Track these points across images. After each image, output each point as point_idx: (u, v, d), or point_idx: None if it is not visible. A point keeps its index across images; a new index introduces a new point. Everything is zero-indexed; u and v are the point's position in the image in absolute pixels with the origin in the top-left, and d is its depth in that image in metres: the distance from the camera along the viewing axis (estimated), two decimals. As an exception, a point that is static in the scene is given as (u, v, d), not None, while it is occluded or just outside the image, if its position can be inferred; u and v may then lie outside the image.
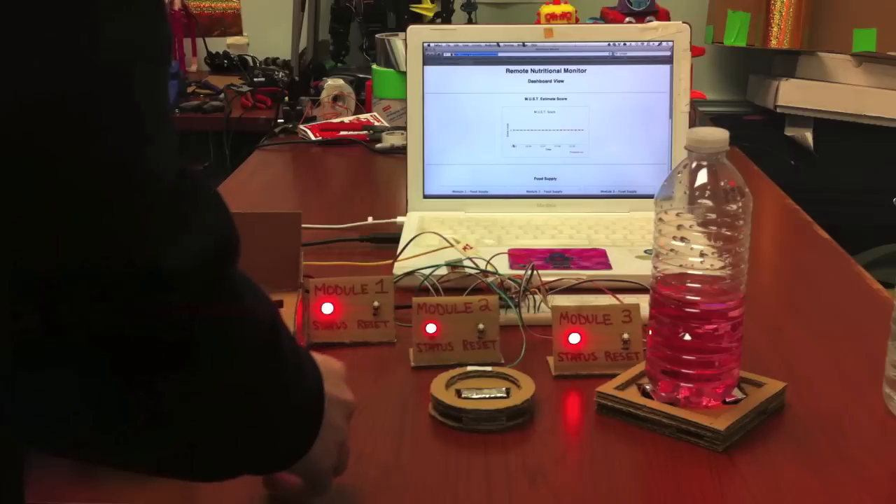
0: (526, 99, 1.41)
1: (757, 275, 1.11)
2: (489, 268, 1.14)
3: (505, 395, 0.92)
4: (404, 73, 1.47)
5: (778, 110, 2.84)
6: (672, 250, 0.88)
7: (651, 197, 0.91)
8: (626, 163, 1.41)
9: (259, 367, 0.61)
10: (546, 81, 1.40)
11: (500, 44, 1.40)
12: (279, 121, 2.12)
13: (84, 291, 0.50)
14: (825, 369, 1.02)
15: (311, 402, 0.69)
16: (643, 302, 0.96)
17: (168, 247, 0.51)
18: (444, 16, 2.62)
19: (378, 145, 1.95)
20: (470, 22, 2.72)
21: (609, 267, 1.21)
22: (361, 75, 2.36)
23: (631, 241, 1.31)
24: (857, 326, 1.13)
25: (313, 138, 1.99)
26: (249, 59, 2.91)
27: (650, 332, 0.91)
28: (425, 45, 1.40)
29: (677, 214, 0.87)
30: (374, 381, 1.00)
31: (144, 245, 0.51)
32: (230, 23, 3.10)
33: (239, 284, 0.59)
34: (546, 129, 1.41)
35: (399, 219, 1.39)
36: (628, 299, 1.04)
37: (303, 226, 1.15)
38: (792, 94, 2.81)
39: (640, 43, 1.40)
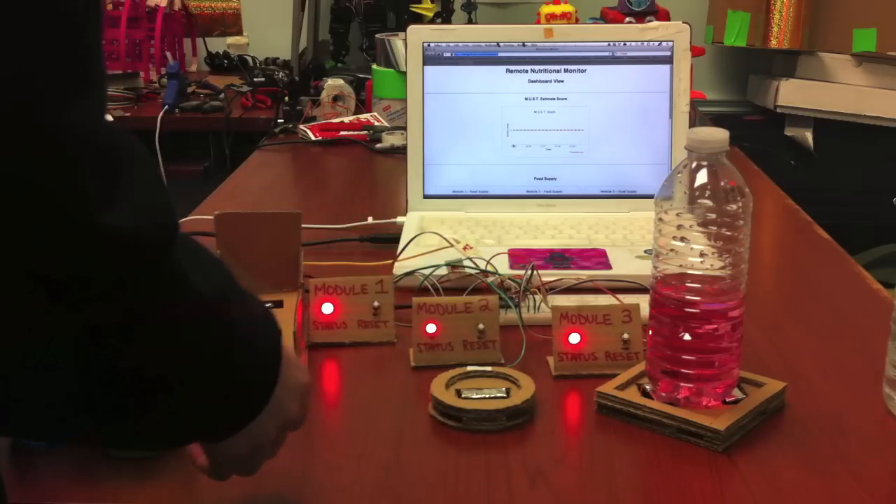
0: (526, 99, 1.41)
1: (757, 275, 1.11)
2: (489, 268, 1.14)
3: (505, 395, 0.92)
4: (404, 73, 1.47)
5: (778, 110, 2.84)
6: (672, 250, 0.88)
7: (651, 197, 0.90)
8: (626, 163, 1.41)
9: (201, 347, 0.60)
10: (546, 81, 1.40)
11: (500, 44, 1.40)
12: (279, 121, 2.12)
13: (22, 256, 0.49)
14: (825, 369, 1.02)
15: (260, 377, 0.67)
16: (643, 302, 0.96)
17: (103, 203, 0.50)
18: (444, 16, 2.62)
19: (378, 145, 1.95)
20: (470, 22, 2.72)
21: (609, 267, 1.21)
22: (361, 75, 2.36)
23: (631, 241, 1.31)
24: (857, 326, 1.13)
25: (313, 138, 1.99)
26: (249, 59, 2.91)
27: (650, 332, 0.91)
28: (425, 45, 1.40)
29: (677, 214, 0.87)
30: (374, 381, 1.00)
31: (77, 199, 0.49)
32: (230, 23, 3.10)
33: (182, 263, 0.57)
34: (546, 129, 1.41)
35: (399, 219, 1.39)
36: (628, 299, 1.04)
37: (303, 226, 1.15)
38: (792, 94, 2.82)
39: (640, 43, 1.40)
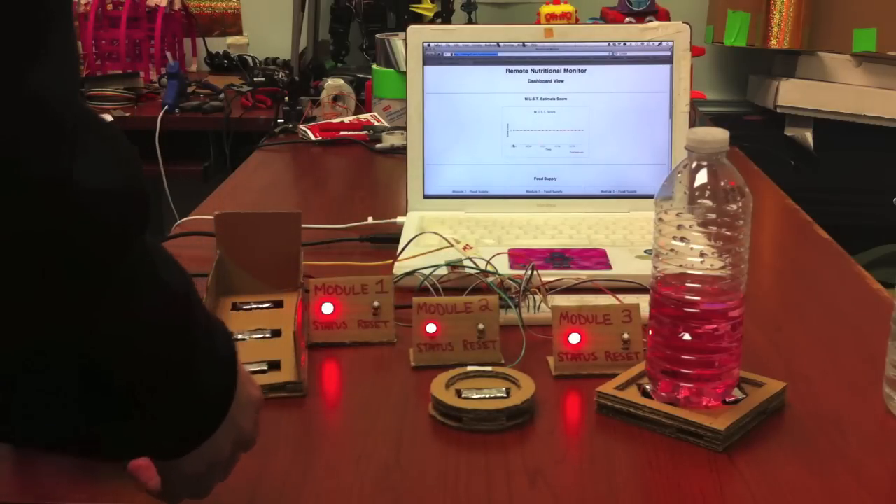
0: (526, 99, 1.41)
1: (757, 275, 1.11)
2: (489, 268, 1.14)
3: (505, 395, 0.92)
4: (404, 73, 1.47)
5: (778, 110, 2.84)
6: (672, 250, 0.88)
7: (651, 197, 0.91)
8: (626, 163, 1.41)
9: (166, 342, 0.58)
10: (546, 81, 1.40)
11: (500, 44, 1.40)
12: (279, 121, 2.12)
13: None
14: (825, 369, 1.02)
15: (220, 387, 0.65)
16: (643, 302, 0.96)
17: (70, 164, 0.48)
18: (444, 16, 2.62)
19: (378, 145, 1.95)
20: (470, 22, 2.72)
21: (609, 267, 1.21)
22: (361, 75, 2.36)
23: (631, 241, 1.31)
24: (857, 326, 1.13)
25: (313, 138, 1.99)
26: (249, 59, 2.91)
27: (650, 332, 0.91)
28: (425, 45, 1.40)
29: (677, 214, 0.87)
30: (374, 381, 1.00)
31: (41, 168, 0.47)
32: (230, 23, 3.11)
33: (151, 253, 0.56)
34: (546, 129, 1.41)
35: (399, 219, 1.39)
36: (628, 299, 1.04)
37: (303, 226, 1.15)
38: (792, 94, 2.81)
39: (640, 43, 1.40)
